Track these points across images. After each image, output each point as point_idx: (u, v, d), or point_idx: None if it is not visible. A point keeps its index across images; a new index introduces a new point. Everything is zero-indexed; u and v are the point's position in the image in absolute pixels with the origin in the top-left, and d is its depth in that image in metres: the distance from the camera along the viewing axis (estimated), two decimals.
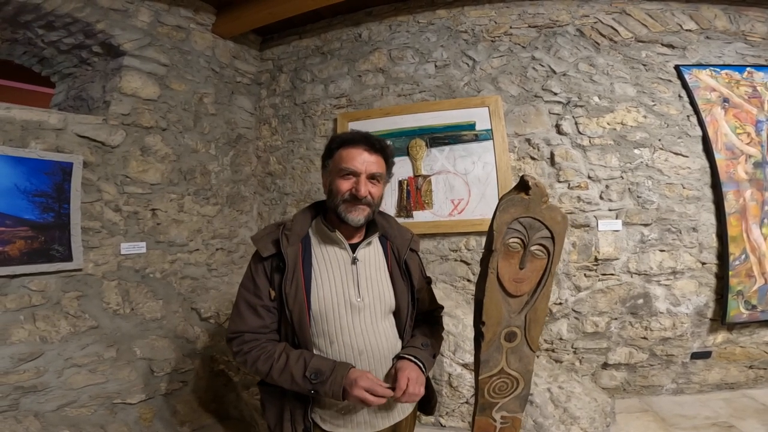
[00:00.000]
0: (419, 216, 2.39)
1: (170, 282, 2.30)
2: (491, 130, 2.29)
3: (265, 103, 2.92)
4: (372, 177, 1.05)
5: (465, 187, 2.33)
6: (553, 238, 0.99)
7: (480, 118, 2.32)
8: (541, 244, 0.99)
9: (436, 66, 2.52)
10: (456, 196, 2.34)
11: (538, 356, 2.18)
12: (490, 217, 2.26)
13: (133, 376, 2.06)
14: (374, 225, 1.13)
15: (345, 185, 1.03)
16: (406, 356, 1.02)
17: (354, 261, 1.06)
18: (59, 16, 1.92)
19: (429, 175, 2.39)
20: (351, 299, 1.02)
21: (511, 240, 0.97)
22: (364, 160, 1.03)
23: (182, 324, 2.33)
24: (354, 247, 1.08)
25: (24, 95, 3.96)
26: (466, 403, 2.04)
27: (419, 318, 1.17)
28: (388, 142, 1.13)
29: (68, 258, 1.88)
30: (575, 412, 2.00)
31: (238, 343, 1.03)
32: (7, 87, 3.98)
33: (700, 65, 2.18)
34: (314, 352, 1.02)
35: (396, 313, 1.10)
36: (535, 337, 1.05)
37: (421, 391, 0.97)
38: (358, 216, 1.03)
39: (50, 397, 1.77)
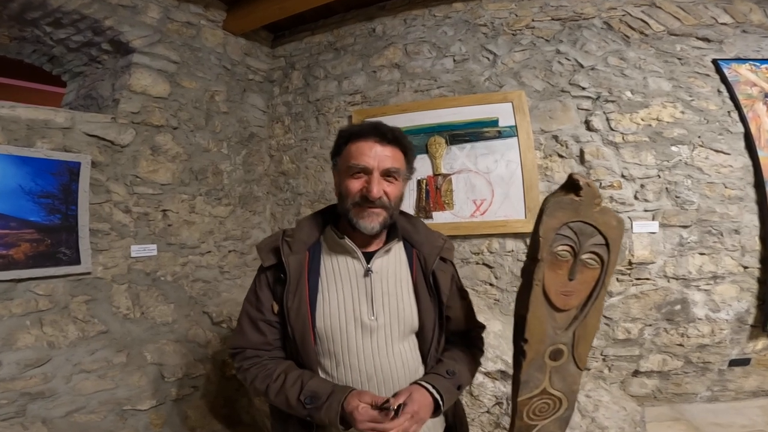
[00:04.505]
0: (439, 217, 2.28)
1: (181, 285, 2.24)
2: (515, 126, 2.17)
3: (278, 101, 2.84)
4: (387, 173, 0.90)
5: (487, 186, 2.21)
6: (607, 245, 0.88)
7: (503, 114, 2.20)
8: (593, 252, 0.88)
9: (454, 60, 2.42)
10: (478, 196, 2.23)
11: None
12: (514, 218, 2.19)
13: (144, 382, 2.00)
14: (395, 229, 0.98)
15: (355, 185, 0.90)
16: (423, 384, 0.88)
17: (367, 273, 0.92)
18: (66, 12, 1.86)
19: (449, 174, 2.28)
20: (362, 317, 0.90)
21: (560, 248, 0.87)
22: (376, 154, 0.89)
23: (193, 328, 2.27)
24: (370, 257, 0.94)
25: (41, 95, 3.94)
26: (487, 412, 1.94)
27: (453, 339, 1.03)
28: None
29: (76, 261, 1.82)
30: (603, 422, 1.90)
31: (239, 360, 0.95)
32: (21, 87, 3.97)
33: (738, 59, 2.04)
34: (320, 373, 0.91)
35: (419, 334, 0.96)
36: (584, 354, 0.95)
37: (418, 428, 0.82)
38: (371, 223, 0.89)
39: (58, 403, 1.72)
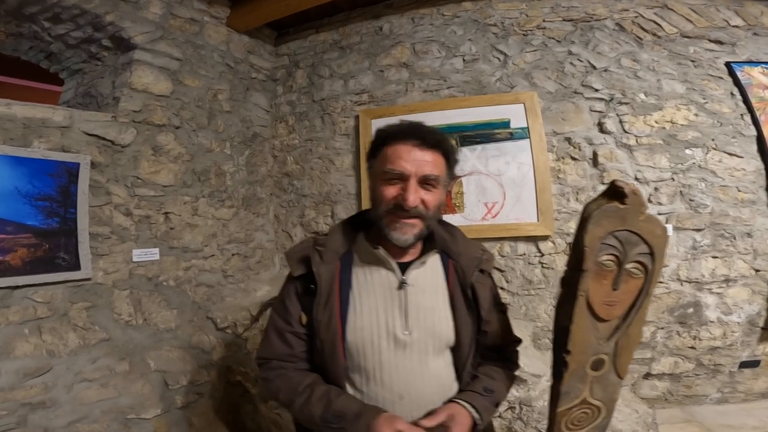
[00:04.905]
0: (449, 220, 2.21)
1: (184, 290, 2.17)
2: (527, 128, 2.15)
3: (281, 100, 2.78)
4: (425, 180, 0.84)
5: (499, 189, 2.18)
6: (652, 254, 0.85)
7: (514, 115, 2.18)
8: (638, 262, 0.85)
9: (464, 60, 2.38)
10: (489, 199, 2.20)
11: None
12: (526, 221, 2.16)
13: (147, 390, 1.94)
14: (432, 239, 0.93)
15: (390, 192, 0.84)
16: (461, 401, 0.84)
17: (401, 285, 0.87)
18: (66, 7, 1.79)
19: (460, 176, 2.25)
20: (396, 332, 0.85)
21: (605, 258, 0.84)
22: (414, 159, 0.83)
23: (197, 334, 2.21)
24: (405, 267, 0.89)
25: (38, 94, 3.80)
26: (499, 417, 1.93)
27: (487, 353, 0.98)
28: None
29: (75, 267, 1.74)
30: (617, 425, 1.89)
31: (265, 370, 0.92)
32: (16, 86, 3.83)
33: (750, 62, 2.05)
34: (348, 389, 0.87)
35: (455, 349, 0.91)
36: (625, 363, 0.92)
37: None
38: (405, 234, 0.84)
39: (60, 413, 1.65)
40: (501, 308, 1.01)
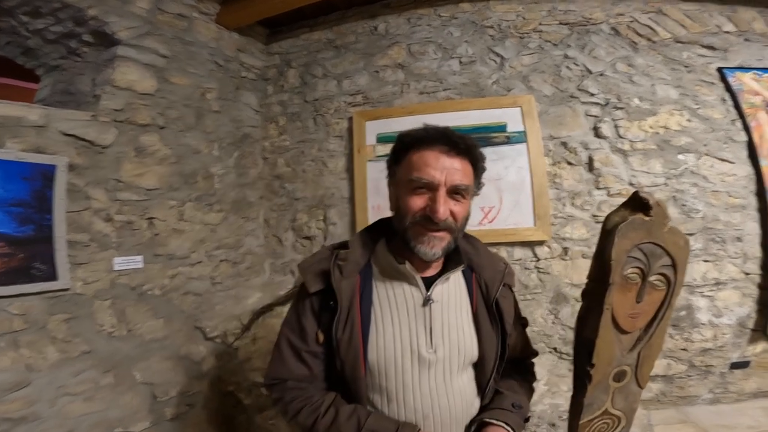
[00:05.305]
0: None
1: (171, 299, 2.07)
2: (525, 132, 2.14)
3: (272, 100, 2.69)
4: (455, 191, 0.80)
5: (496, 193, 2.16)
6: (674, 266, 0.84)
7: (512, 118, 2.16)
8: (661, 274, 0.84)
9: (461, 62, 2.36)
10: (486, 204, 2.18)
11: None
12: (524, 226, 2.13)
13: (136, 402, 1.85)
14: (457, 253, 0.89)
15: (417, 203, 0.79)
16: (496, 422, 0.82)
17: (426, 302, 0.83)
18: (47, 1, 1.68)
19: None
20: (420, 351, 0.81)
21: (630, 271, 0.82)
22: (443, 167, 0.78)
23: (186, 344, 2.11)
24: (428, 282, 0.85)
25: (13, 91, 3.58)
26: None
27: (505, 366, 0.94)
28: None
29: (52, 277, 1.62)
30: None
31: (279, 391, 0.86)
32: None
33: (742, 68, 2.09)
34: (368, 409, 0.83)
35: (478, 365, 0.88)
36: (647, 373, 0.92)
37: None
38: (433, 248, 0.80)
39: (45, 428, 1.56)
40: (522, 322, 0.99)
